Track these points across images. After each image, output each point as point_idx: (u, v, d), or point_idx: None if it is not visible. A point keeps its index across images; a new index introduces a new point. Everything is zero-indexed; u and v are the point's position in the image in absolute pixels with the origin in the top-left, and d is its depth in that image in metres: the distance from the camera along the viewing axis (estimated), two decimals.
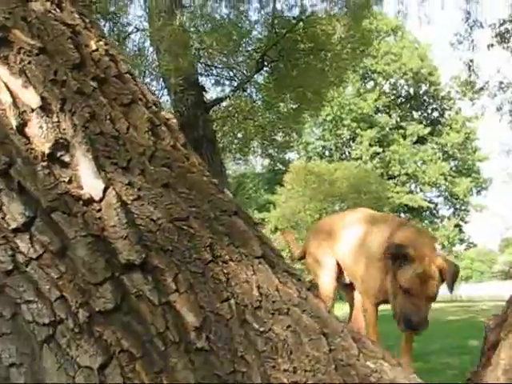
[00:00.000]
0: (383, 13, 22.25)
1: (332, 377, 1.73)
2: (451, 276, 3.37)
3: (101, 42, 2.03)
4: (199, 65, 15.97)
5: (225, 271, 1.80)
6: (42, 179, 1.74)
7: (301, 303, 1.90)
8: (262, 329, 1.76)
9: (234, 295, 1.78)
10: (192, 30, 14.81)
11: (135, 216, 1.77)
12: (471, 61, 16.31)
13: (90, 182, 1.76)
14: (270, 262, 1.96)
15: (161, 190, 1.83)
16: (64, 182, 1.76)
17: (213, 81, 17.49)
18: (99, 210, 1.74)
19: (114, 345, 1.62)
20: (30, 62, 1.81)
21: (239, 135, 18.12)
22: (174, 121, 2.16)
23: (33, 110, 1.77)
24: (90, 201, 1.75)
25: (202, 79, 16.42)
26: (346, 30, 14.90)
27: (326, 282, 3.29)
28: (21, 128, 1.76)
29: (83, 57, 1.93)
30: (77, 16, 2.03)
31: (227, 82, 17.48)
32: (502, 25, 15.22)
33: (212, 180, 2.08)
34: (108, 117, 1.87)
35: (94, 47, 1.98)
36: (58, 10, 1.97)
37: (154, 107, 2.08)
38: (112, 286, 1.68)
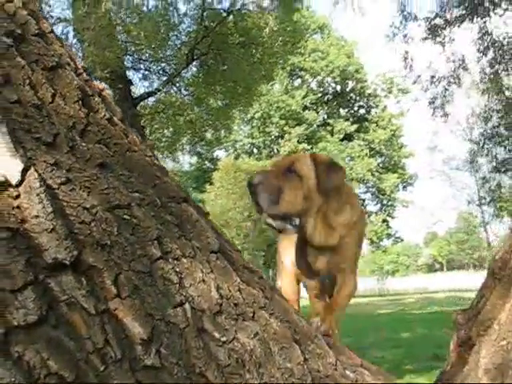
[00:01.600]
0: (310, 10, 22.17)
1: None
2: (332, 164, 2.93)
3: None
4: (126, 58, 15.43)
5: (177, 269, 1.47)
6: None
7: (267, 305, 1.60)
8: (223, 338, 1.44)
9: (188, 299, 1.46)
10: (118, 21, 14.26)
11: (64, 204, 1.41)
12: (406, 52, 16.46)
13: (4, 162, 1.38)
14: (228, 257, 1.65)
15: (95, 172, 1.48)
16: None
17: (140, 75, 16.97)
18: (17, 197, 1.37)
19: (39, 367, 1.25)
20: None
21: (168, 132, 17.63)
22: (109, 92, 1.80)
23: None
24: (4, 185, 1.37)
25: (129, 73, 15.89)
26: (277, 23, 14.73)
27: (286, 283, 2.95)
28: None
29: None
30: None
31: (155, 77, 17.00)
32: (433, 19, 15.45)
33: (156, 161, 1.74)
34: (27, 82, 1.50)
35: None
36: None
37: (84, 74, 1.72)
38: (35, 292, 1.31)
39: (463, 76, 16.82)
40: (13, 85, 1.47)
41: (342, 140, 50.16)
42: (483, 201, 44.66)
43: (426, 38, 15.62)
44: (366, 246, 50.54)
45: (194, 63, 16.08)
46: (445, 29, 15.41)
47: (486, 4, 14.88)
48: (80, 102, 1.58)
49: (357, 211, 2.73)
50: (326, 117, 51.79)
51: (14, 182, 1.38)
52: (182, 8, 15.59)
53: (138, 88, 16.58)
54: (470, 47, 16.11)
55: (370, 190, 52.50)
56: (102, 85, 1.80)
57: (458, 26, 15.36)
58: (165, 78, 16.41)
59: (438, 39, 15.61)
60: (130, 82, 14.45)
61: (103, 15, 11.37)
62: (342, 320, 2.75)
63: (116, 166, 1.54)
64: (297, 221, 2.52)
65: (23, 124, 1.45)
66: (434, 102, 16.50)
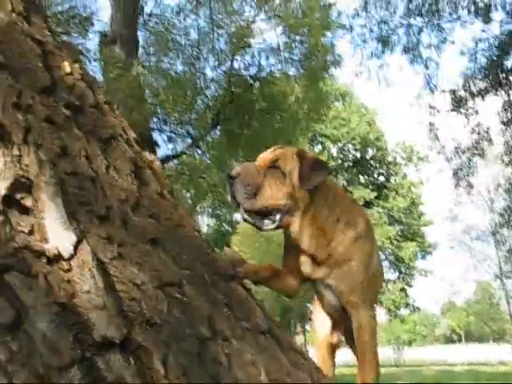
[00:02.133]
0: (332, 78, 22.58)
1: None
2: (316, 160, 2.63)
3: (76, 65, 1.67)
4: (152, 120, 15.67)
5: (226, 351, 1.42)
6: None
7: None
8: None
9: (237, 382, 1.40)
10: (147, 84, 14.56)
11: (115, 279, 1.38)
12: (431, 124, 16.56)
13: (58, 234, 1.36)
14: (276, 338, 1.59)
15: (147, 247, 1.45)
16: (24, 232, 1.35)
17: (165, 137, 17.19)
18: (68, 271, 1.34)
19: None
20: None
21: (190, 194, 17.72)
22: (158, 164, 1.80)
23: None
24: (56, 258, 1.35)
25: (154, 135, 16.11)
26: (302, 90, 14.94)
27: (319, 357, 2.77)
28: None
29: (55, 80, 1.56)
30: (48, 33, 1.67)
31: (180, 139, 17.20)
32: (458, 91, 15.59)
33: (203, 237, 1.71)
34: (83, 153, 1.49)
35: (67, 70, 1.62)
36: (25, 23, 1.61)
37: (136, 146, 1.72)
38: (81, 371, 1.26)
39: (487, 147, 16.88)
40: (69, 156, 1.47)
41: None
42: (505, 273, 43.91)
43: (451, 110, 15.74)
44: (383, 314, 49.74)
45: (219, 127, 16.31)
46: (469, 101, 15.57)
47: (511, 77, 15.04)
48: (132, 174, 1.57)
49: (358, 225, 2.46)
50: (345, 183, 51.82)
51: (66, 255, 1.35)
52: (210, 73, 15.84)
53: (163, 150, 16.78)
54: (494, 119, 16.20)
55: (389, 258, 51.93)
56: (152, 156, 1.80)
57: (483, 98, 15.50)
58: (189, 141, 16.64)
59: (463, 111, 15.73)
60: (156, 144, 14.64)
61: (133, 79, 11.63)
62: None
63: (167, 242, 1.51)
64: (277, 217, 2.30)
65: (77, 196, 1.44)
66: (457, 173, 16.48)
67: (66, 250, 1.35)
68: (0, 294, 1.30)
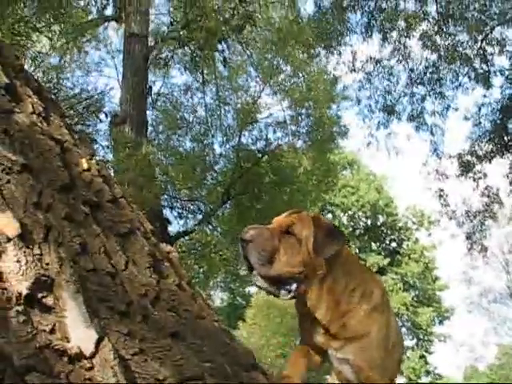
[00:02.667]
0: (339, 148, 22.92)
1: None
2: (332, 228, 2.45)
3: (92, 161, 1.72)
4: (163, 197, 15.81)
5: None
6: (15, 328, 1.34)
7: None
8: None
9: None
10: (157, 161, 14.77)
11: (136, 375, 1.37)
12: (441, 190, 16.61)
13: (79, 332, 1.37)
14: None
15: (168, 342, 1.45)
16: (45, 331, 1.36)
17: (176, 213, 17.28)
18: (90, 369, 1.34)
19: None
20: (9, 181, 1.47)
21: (202, 269, 17.63)
22: (176, 254, 1.82)
23: (9, 240, 1.41)
24: (78, 356, 1.35)
25: (165, 211, 16.23)
26: (311, 162, 15.10)
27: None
28: None
29: (73, 177, 1.60)
30: (65, 131, 1.73)
31: (191, 215, 17.29)
32: (463, 156, 15.71)
33: (222, 326, 1.71)
34: (102, 249, 1.52)
35: (85, 166, 1.67)
36: (44, 123, 1.67)
37: (152, 238, 1.74)
38: None
39: (498, 210, 16.87)
40: (89, 253, 1.49)
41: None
42: None
43: (459, 175, 15.84)
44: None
45: (229, 202, 16.40)
46: (476, 165, 15.67)
47: None
48: (151, 268, 1.59)
49: (374, 296, 2.36)
50: (357, 251, 51.50)
51: (87, 353, 1.36)
52: (218, 149, 16.08)
53: (174, 226, 16.83)
54: (503, 181, 16.27)
55: (405, 324, 50.98)
56: (169, 247, 1.82)
57: (490, 162, 15.60)
58: (200, 217, 16.72)
59: (471, 175, 15.80)
60: (168, 221, 14.71)
61: (143, 158, 11.81)
62: None
63: (187, 335, 1.51)
64: (293, 286, 2.20)
65: (98, 293, 1.45)
66: (470, 237, 16.41)
67: (88, 348, 1.35)
68: None
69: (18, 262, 1.40)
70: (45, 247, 1.45)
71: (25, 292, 1.38)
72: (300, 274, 2.21)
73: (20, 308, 1.36)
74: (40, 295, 1.39)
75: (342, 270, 2.32)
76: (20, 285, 1.38)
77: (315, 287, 2.25)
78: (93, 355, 1.35)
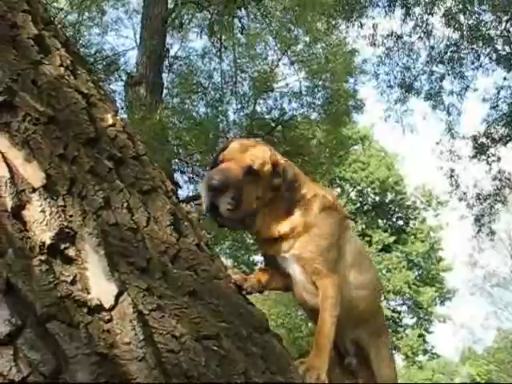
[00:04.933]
0: (354, 122, 22.83)
1: None
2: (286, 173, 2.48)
3: (117, 117, 1.72)
4: (174, 161, 15.81)
5: None
6: (37, 277, 1.36)
7: None
8: None
9: None
10: (170, 125, 14.75)
11: (154, 331, 1.40)
12: (452, 170, 16.56)
13: (99, 285, 1.39)
14: None
15: (186, 300, 1.47)
16: (66, 282, 1.38)
17: (186, 178, 17.30)
18: (109, 321, 1.36)
19: None
20: (35, 132, 1.48)
21: (209, 235, 17.72)
22: (195, 215, 1.82)
23: (34, 190, 1.42)
24: (98, 308, 1.37)
25: (175, 175, 16.24)
26: (325, 135, 15.05)
27: None
28: (17, 210, 1.40)
29: (98, 132, 1.61)
30: (92, 85, 1.73)
31: (201, 180, 17.27)
32: (479, 137, 15.63)
33: (238, 290, 1.73)
34: (125, 205, 1.53)
35: (110, 122, 1.67)
36: (72, 76, 1.67)
37: (174, 197, 1.75)
38: None
39: (509, 194, 16.78)
40: (112, 208, 1.50)
41: (380, 251, 49.66)
42: None
43: (472, 157, 15.75)
44: (400, 360, 48.74)
45: None
46: (491, 147, 15.58)
47: None
48: (172, 226, 1.60)
49: (326, 198, 2.42)
50: (364, 227, 51.54)
51: (107, 305, 1.38)
52: (232, 116, 16.00)
53: (184, 191, 16.86)
54: None
55: (407, 302, 51.22)
56: (189, 207, 1.83)
57: (505, 145, 15.51)
58: None
59: (484, 157, 15.72)
60: (178, 185, 14.73)
61: (158, 122, 11.81)
62: None
63: (204, 294, 1.53)
64: (253, 220, 2.29)
65: (119, 247, 1.46)
66: (479, 220, 16.38)
67: (108, 300, 1.37)
68: (41, 342, 1.32)
69: (42, 212, 1.41)
70: (69, 199, 1.46)
71: (48, 242, 1.39)
72: (255, 210, 2.28)
73: (43, 257, 1.38)
74: (63, 246, 1.41)
75: (288, 189, 2.35)
76: (43, 235, 1.40)
77: (264, 208, 2.32)
78: (112, 308, 1.37)
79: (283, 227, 2.32)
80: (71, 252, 1.41)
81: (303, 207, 2.37)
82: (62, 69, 1.64)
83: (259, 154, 2.36)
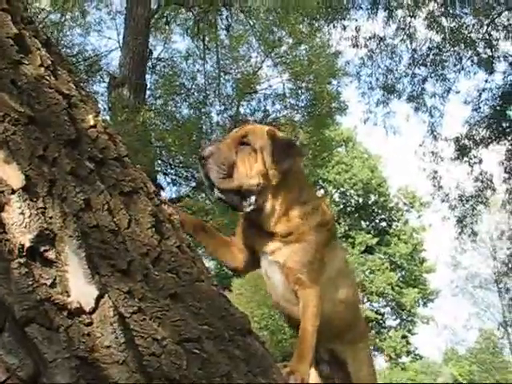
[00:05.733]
0: (337, 124, 22.86)
1: None
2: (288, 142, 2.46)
3: (99, 118, 1.71)
4: (157, 162, 15.74)
5: None
6: (16, 280, 1.34)
7: None
8: None
9: None
10: (153, 127, 14.69)
11: (135, 334, 1.38)
12: (435, 172, 16.68)
13: (80, 288, 1.37)
14: None
15: (167, 302, 1.46)
16: (46, 285, 1.36)
17: (169, 179, 17.24)
18: (89, 324, 1.35)
19: None
20: (15, 133, 1.46)
21: (191, 237, 17.57)
22: (177, 217, 1.81)
23: (13, 192, 1.40)
24: (78, 311, 1.35)
25: (159, 177, 16.16)
26: (308, 137, 15.08)
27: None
28: None
29: (79, 132, 1.59)
30: (73, 86, 1.71)
31: (184, 182, 17.24)
32: (461, 139, 15.75)
33: (221, 291, 1.72)
34: (106, 207, 1.51)
35: (91, 123, 1.66)
36: (53, 77, 1.65)
37: (156, 199, 1.74)
38: None
39: (491, 195, 16.93)
40: (92, 210, 1.49)
41: (362, 252, 49.85)
42: (509, 322, 43.45)
43: (455, 159, 15.87)
44: (382, 362, 48.90)
45: None
46: (473, 149, 15.70)
47: None
48: (153, 228, 1.59)
49: (326, 217, 2.42)
50: (347, 228, 51.72)
51: (87, 308, 1.36)
52: (215, 118, 15.98)
53: (167, 192, 16.79)
54: (497, 167, 16.32)
55: (390, 304, 51.47)
56: (171, 209, 1.82)
57: (486, 147, 15.64)
58: (193, 184, 16.68)
59: (466, 159, 15.85)
60: (161, 187, 14.67)
61: (141, 123, 11.76)
62: None
63: (186, 297, 1.52)
64: (252, 199, 2.25)
65: (99, 249, 1.45)
66: (462, 221, 16.50)
67: (88, 303, 1.36)
68: (20, 347, 1.30)
69: (21, 214, 1.39)
70: (49, 201, 1.44)
71: (27, 244, 1.37)
72: (257, 186, 2.26)
73: (22, 260, 1.36)
74: (42, 248, 1.39)
75: (295, 183, 2.38)
76: (23, 237, 1.38)
77: (270, 198, 2.30)
78: (92, 311, 1.36)
79: (281, 226, 2.32)
80: (51, 254, 1.39)
81: (303, 213, 2.35)
82: (42, 69, 1.62)
83: (252, 128, 2.39)
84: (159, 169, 16.36)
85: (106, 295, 1.38)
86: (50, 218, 1.42)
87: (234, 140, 2.30)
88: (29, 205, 1.40)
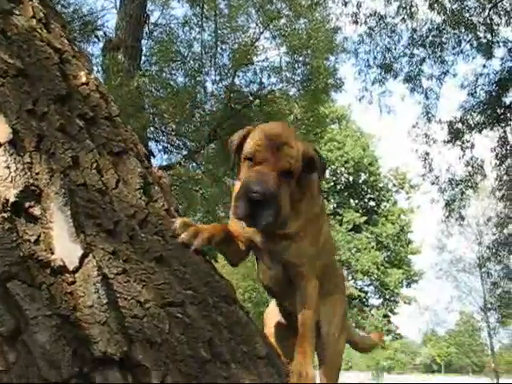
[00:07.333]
0: (332, 101, 22.76)
1: None
2: (320, 163, 2.38)
3: (91, 76, 1.67)
4: (149, 129, 15.63)
5: (224, 374, 1.40)
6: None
7: None
8: None
9: None
10: (147, 93, 14.56)
11: (118, 295, 1.36)
12: (427, 154, 16.66)
13: (64, 246, 1.35)
14: (273, 364, 1.58)
15: (152, 265, 1.44)
16: (29, 241, 1.34)
17: (160, 147, 17.12)
18: (72, 283, 1.33)
19: None
20: (3, 85, 1.42)
21: (180, 205, 17.58)
22: (166, 180, 1.79)
23: (0, 145, 1.37)
24: (61, 270, 1.33)
25: (150, 144, 16.05)
26: (302, 111, 15.00)
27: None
28: None
29: (70, 89, 1.55)
30: (66, 41, 1.67)
31: (176, 151, 17.15)
32: (455, 123, 15.74)
33: (206, 258, 1.70)
34: (94, 165, 1.48)
35: (83, 79, 1.62)
36: (45, 30, 1.61)
37: (145, 161, 1.71)
38: None
39: (480, 181, 17.00)
40: (80, 167, 1.46)
41: (350, 230, 50.07)
42: (489, 306, 43.96)
43: (447, 142, 15.85)
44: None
45: (215, 141, 16.26)
46: (466, 134, 15.68)
47: (508, 114, 15.18)
48: (141, 190, 1.56)
49: (318, 203, 2.40)
50: (335, 206, 51.89)
51: (71, 267, 1.34)
52: (210, 87, 15.83)
53: (158, 160, 16.69)
54: (489, 153, 16.33)
55: (374, 283, 51.89)
56: (160, 172, 1.79)
57: (480, 132, 15.63)
58: (185, 153, 16.59)
59: (458, 143, 15.85)
60: (152, 154, 14.58)
61: (135, 89, 11.64)
62: None
63: (172, 261, 1.50)
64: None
65: (86, 208, 1.42)
66: (450, 205, 16.55)
67: (72, 262, 1.34)
68: (2, 302, 1.28)
69: (7, 168, 1.36)
70: (36, 156, 1.41)
71: (12, 199, 1.35)
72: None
73: (6, 215, 1.33)
74: (27, 204, 1.37)
75: (308, 190, 2.33)
76: (7, 191, 1.35)
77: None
78: (76, 270, 1.34)
79: (290, 226, 2.27)
80: (36, 211, 1.37)
81: (309, 208, 2.34)
82: (34, 21, 1.58)
83: (294, 154, 2.24)
84: (151, 136, 16.25)
85: (91, 255, 1.36)
86: (37, 173, 1.39)
87: (277, 175, 2.15)
88: (15, 159, 1.37)
